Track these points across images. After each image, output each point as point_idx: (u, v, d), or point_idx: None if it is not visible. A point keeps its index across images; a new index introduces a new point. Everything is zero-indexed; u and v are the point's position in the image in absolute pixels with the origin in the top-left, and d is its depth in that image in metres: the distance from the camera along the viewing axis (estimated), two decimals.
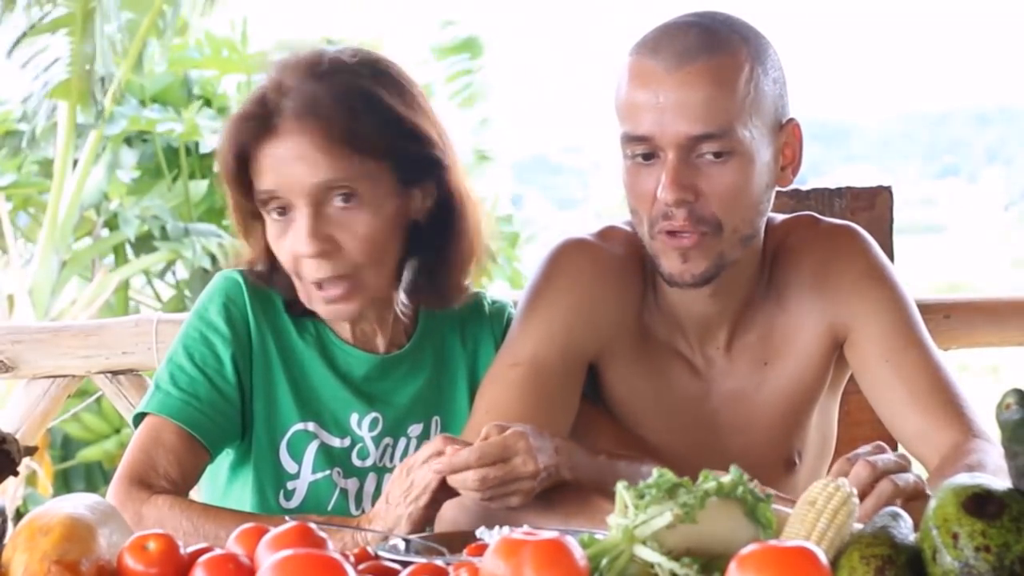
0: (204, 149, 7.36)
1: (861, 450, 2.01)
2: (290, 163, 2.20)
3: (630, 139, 2.22)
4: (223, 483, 2.35)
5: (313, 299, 2.27)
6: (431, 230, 2.32)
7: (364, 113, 2.21)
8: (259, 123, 2.22)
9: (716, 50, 2.20)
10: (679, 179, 2.18)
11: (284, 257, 2.26)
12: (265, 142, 2.22)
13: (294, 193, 2.21)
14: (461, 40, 8.36)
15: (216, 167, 2.30)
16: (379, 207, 2.24)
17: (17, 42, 6.45)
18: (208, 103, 7.64)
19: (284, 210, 2.24)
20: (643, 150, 2.21)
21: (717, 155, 2.19)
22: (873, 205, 2.90)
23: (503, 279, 8.01)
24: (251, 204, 2.28)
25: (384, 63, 2.29)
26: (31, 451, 1.81)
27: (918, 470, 2.29)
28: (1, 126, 7.15)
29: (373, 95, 2.23)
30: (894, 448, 2.44)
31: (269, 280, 2.33)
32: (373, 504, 2.28)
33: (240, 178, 2.25)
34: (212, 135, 7.29)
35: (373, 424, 2.35)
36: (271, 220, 2.26)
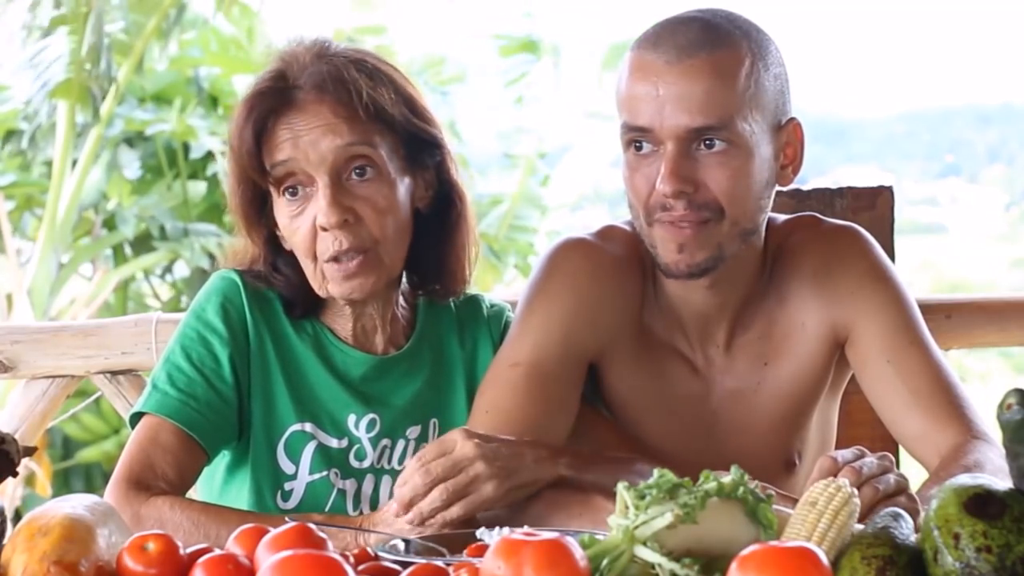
0: (201, 150, 7.35)
1: (839, 454, 2.01)
2: (311, 133, 2.22)
3: (629, 129, 2.22)
4: (220, 484, 2.35)
5: (329, 278, 2.26)
6: (432, 219, 2.34)
7: (378, 84, 2.25)
8: (278, 96, 2.24)
9: (717, 44, 2.19)
10: (678, 171, 2.18)
11: (299, 237, 2.25)
12: (284, 115, 2.23)
13: (313, 164, 2.22)
14: (523, 39, 8.28)
15: (228, 149, 2.28)
16: (394, 182, 2.27)
17: None
18: (215, 101, 7.62)
19: (298, 189, 2.24)
20: (642, 141, 2.21)
21: (716, 148, 2.18)
22: (874, 205, 2.90)
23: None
24: (261, 186, 2.26)
25: (380, 56, 2.33)
26: (30, 451, 1.80)
27: (918, 470, 2.29)
28: (2, 126, 7.15)
29: (382, 70, 2.28)
30: (895, 449, 2.44)
31: (268, 280, 2.33)
32: (371, 506, 2.28)
33: (256, 155, 2.23)
34: (207, 136, 7.28)
35: (371, 425, 2.34)
36: (284, 202, 2.25)
